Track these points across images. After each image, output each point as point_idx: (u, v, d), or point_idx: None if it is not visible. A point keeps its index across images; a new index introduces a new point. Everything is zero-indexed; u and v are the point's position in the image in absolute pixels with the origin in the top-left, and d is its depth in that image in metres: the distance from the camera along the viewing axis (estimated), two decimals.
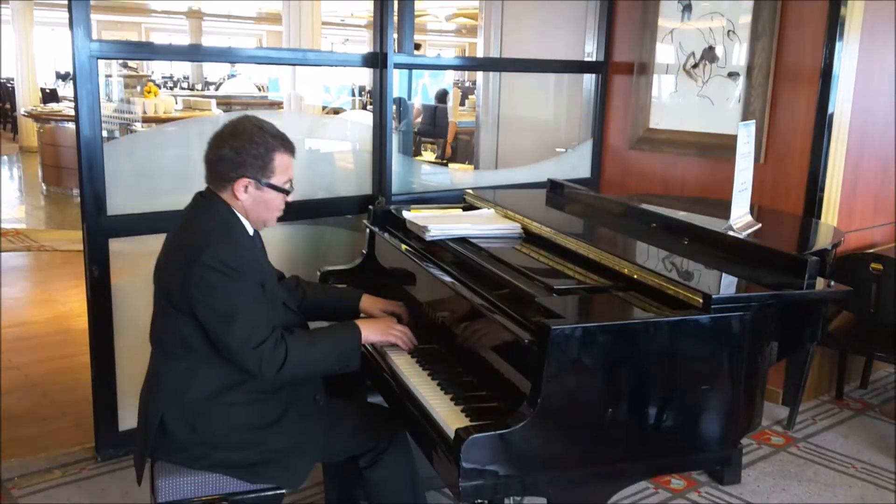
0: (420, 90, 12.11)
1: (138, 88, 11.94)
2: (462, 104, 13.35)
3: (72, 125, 8.51)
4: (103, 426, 3.20)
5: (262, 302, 2.11)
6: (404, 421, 2.21)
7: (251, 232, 2.21)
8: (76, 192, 8.76)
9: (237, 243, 2.11)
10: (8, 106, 14.70)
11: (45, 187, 9.42)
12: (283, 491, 2.20)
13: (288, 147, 2.19)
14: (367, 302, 2.55)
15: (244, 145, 2.11)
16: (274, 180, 2.15)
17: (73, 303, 5.16)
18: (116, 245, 3.06)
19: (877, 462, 3.44)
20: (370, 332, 2.29)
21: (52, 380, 4.00)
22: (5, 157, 12.50)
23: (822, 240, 3.06)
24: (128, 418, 3.16)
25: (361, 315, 2.53)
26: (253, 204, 2.16)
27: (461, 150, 9.89)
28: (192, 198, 2.22)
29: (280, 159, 2.15)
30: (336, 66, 4.41)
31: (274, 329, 2.10)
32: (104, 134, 3.06)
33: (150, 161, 3.21)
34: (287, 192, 2.20)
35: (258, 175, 2.13)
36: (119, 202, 3.04)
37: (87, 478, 3.10)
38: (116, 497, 2.97)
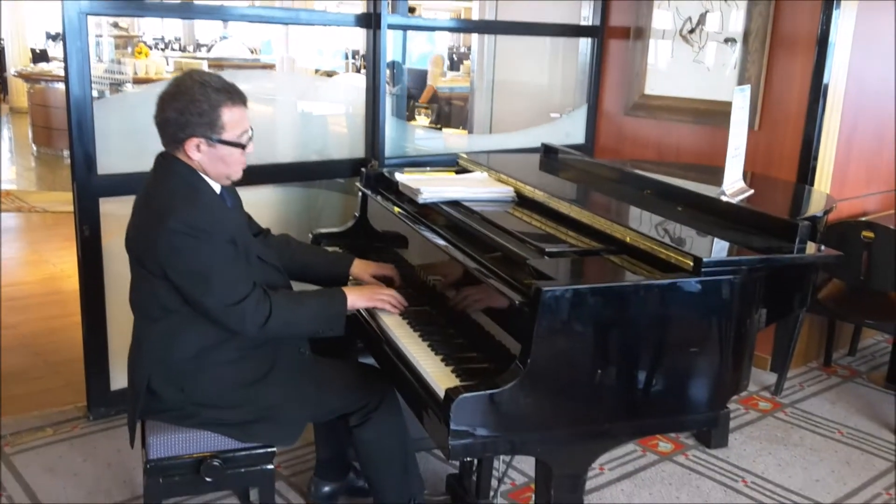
0: (407, 55, 11.94)
1: (129, 49, 11.78)
2: (457, 69, 13.24)
3: (62, 86, 8.41)
4: (95, 385, 3.21)
5: (236, 259, 2.08)
6: (395, 381, 2.22)
7: (218, 190, 2.17)
8: (67, 153, 8.68)
9: (202, 204, 2.07)
10: None
11: (35, 148, 9.34)
12: (275, 449, 2.22)
13: (236, 99, 2.10)
14: (358, 267, 2.53)
15: (187, 105, 2.03)
16: (226, 136, 2.08)
17: (65, 264, 5.15)
18: (107, 205, 3.04)
19: (863, 427, 3.49)
20: (356, 299, 2.28)
21: (44, 340, 4.01)
22: None
23: (815, 206, 3.07)
24: (119, 378, 3.17)
25: (351, 280, 2.53)
26: (209, 161, 2.10)
27: (455, 115, 9.83)
28: (154, 160, 2.18)
29: (229, 113, 2.07)
30: (329, 25, 4.37)
31: (255, 285, 2.09)
32: (94, 94, 3.03)
33: (140, 120, 3.13)
34: (243, 146, 2.12)
35: (207, 133, 2.06)
36: (109, 161, 3.02)
37: (79, 436, 3.12)
38: (109, 455, 2.99)
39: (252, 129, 2.16)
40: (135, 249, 2.13)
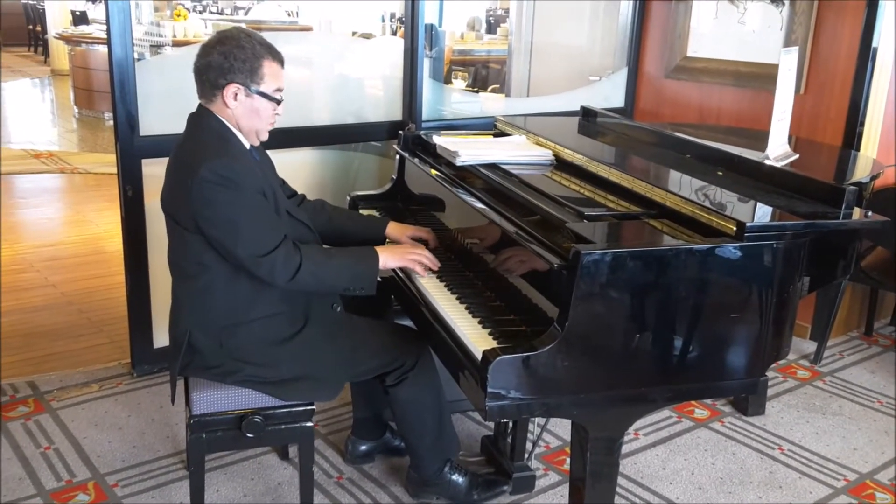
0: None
1: (168, 13, 11.82)
2: (493, 32, 13.14)
3: (102, 48, 8.46)
4: (138, 343, 3.28)
5: (266, 211, 2.11)
6: (432, 343, 2.24)
7: (247, 146, 2.20)
8: (108, 115, 8.77)
9: (232, 154, 2.09)
10: (38, 28, 14.66)
11: (76, 110, 9.46)
12: (314, 407, 2.26)
13: (276, 56, 2.16)
14: (394, 228, 2.54)
15: (232, 50, 2.08)
16: (263, 88, 2.13)
17: (107, 224, 5.23)
18: (149, 166, 3.08)
19: None
20: (388, 258, 2.28)
21: (87, 298, 4.10)
22: (37, 80, 12.54)
23: (861, 171, 3.00)
24: (162, 336, 3.23)
25: (388, 242, 2.54)
26: (244, 112, 2.14)
27: (492, 78, 9.75)
28: (187, 119, 2.21)
29: (269, 66, 2.13)
30: None
31: (285, 237, 2.11)
32: (135, 56, 3.04)
33: (181, 82, 3.16)
34: (277, 102, 2.17)
35: (247, 81, 2.10)
36: (151, 123, 3.05)
37: (124, 392, 3.20)
38: (152, 411, 3.07)
39: (282, 90, 2.19)
40: (169, 206, 2.17)
